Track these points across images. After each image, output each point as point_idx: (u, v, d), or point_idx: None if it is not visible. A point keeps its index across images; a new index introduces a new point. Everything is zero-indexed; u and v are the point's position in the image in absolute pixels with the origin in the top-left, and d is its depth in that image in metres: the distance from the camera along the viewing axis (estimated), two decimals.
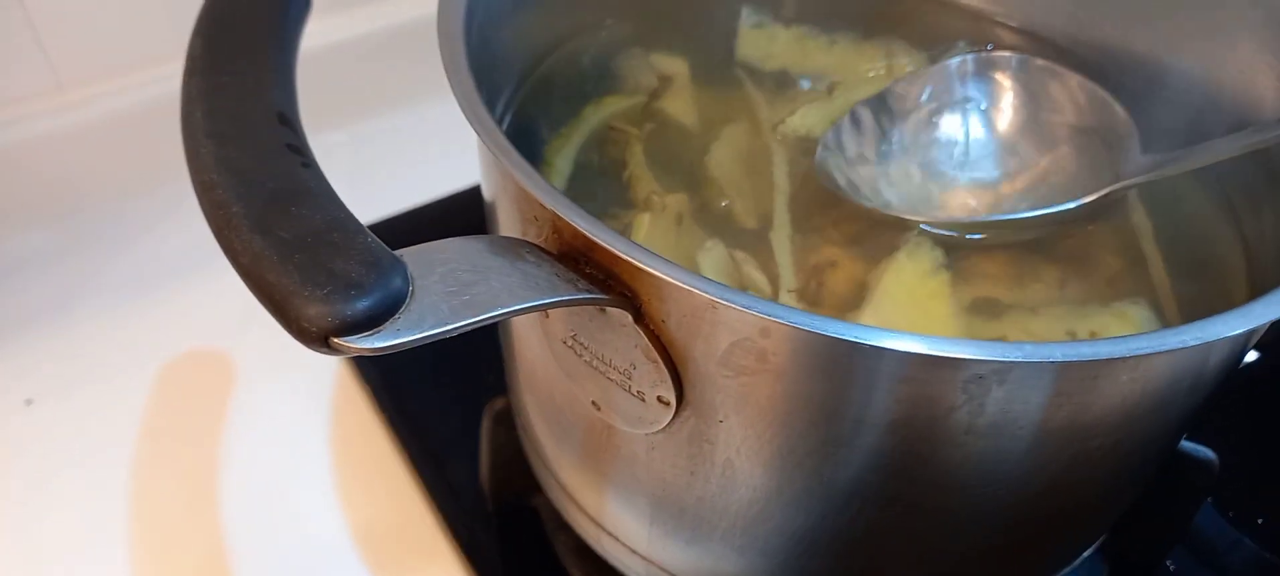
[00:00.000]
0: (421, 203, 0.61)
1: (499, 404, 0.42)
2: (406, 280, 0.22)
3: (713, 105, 0.44)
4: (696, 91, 0.45)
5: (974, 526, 0.30)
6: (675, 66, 0.46)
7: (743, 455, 0.28)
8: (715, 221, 0.37)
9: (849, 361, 0.24)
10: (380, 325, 0.21)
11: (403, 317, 0.22)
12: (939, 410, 0.24)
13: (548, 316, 0.29)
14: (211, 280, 0.57)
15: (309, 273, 0.22)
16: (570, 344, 0.29)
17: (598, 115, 0.43)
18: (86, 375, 0.52)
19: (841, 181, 0.38)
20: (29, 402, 0.51)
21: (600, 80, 0.44)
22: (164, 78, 0.60)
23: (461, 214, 0.60)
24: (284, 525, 0.47)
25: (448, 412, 0.50)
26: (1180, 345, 0.23)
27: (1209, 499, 0.48)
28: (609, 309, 0.26)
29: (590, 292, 0.25)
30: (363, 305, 0.21)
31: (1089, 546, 0.36)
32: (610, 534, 0.35)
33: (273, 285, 0.22)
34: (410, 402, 0.50)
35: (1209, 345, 0.24)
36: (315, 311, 0.21)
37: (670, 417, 0.27)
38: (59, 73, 0.57)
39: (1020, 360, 0.22)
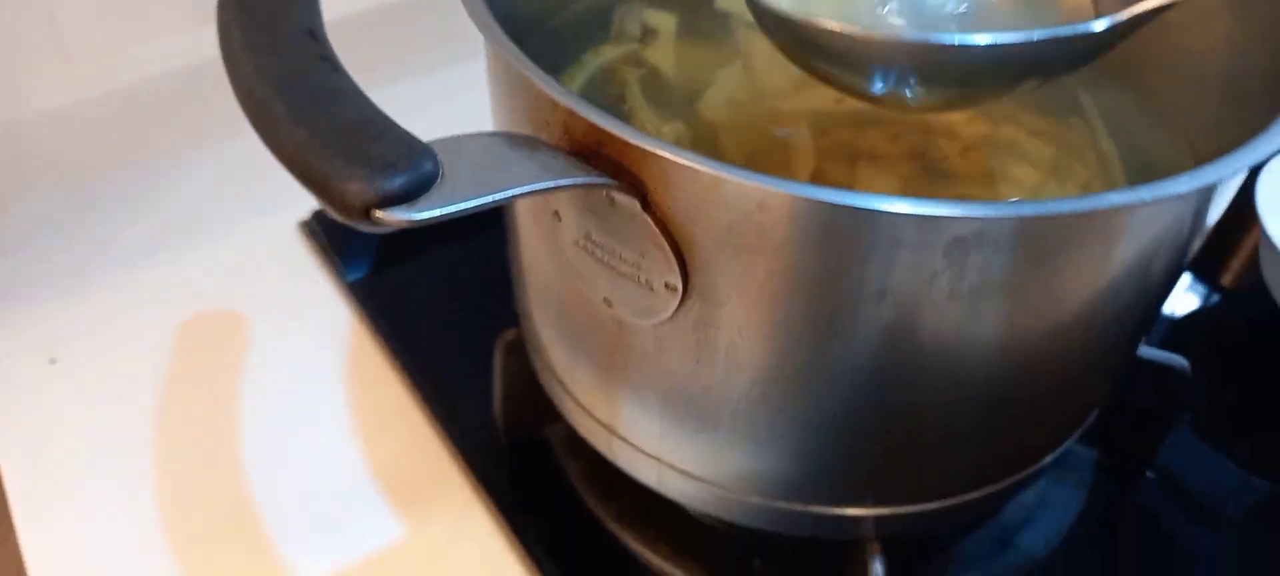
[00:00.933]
0: None
1: (510, 335, 0.44)
2: (436, 164, 0.25)
3: (702, 53, 0.46)
4: (684, 42, 0.47)
5: (962, 403, 0.32)
6: (663, 21, 0.48)
7: (744, 337, 0.30)
8: (710, 152, 0.40)
9: (839, 229, 0.26)
10: (415, 200, 0.24)
11: (435, 194, 0.24)
12: (924, 275, 0.27)
13: (561, 220, 0.31)
14: (220, 244, 0.59)
15: (350, 156, 0.24)
16: (582, 244, 0.31)
17: (596, 61, 0.45)
18: (106, 334, 0.54)
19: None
20: (53, 361, 0.53)
21: (599, 30, 0.47)
22: (170, 53, 0.62)
23: None
24: (304, 466, 0.49)
25: (458, 353, 0.52)
26: (1137, 200, 0.25)
27: (1188, 418, 0.50)
28: (618, 197, 0.28)
29: (602, 177, 0.27)
30: (398, 182, 0.23)
31: (1073, 432, 0.39)
32: (622, 438, 0.38)
33: (316, 169, 0.24)
34: (421, 345, 0.52)
35: (1164, 205, 0.27)
36: (356, 188, 0.23)
37: (677, 304, 0.30)
38: (68, 49, 0.59)
39: (994, 216, 0.25)
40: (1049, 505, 0.47)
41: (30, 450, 0.49)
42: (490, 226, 0.58)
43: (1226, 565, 0.45)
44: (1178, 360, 0.45)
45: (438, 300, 0.55)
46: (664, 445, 0.36)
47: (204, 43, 0.61)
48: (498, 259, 0.46)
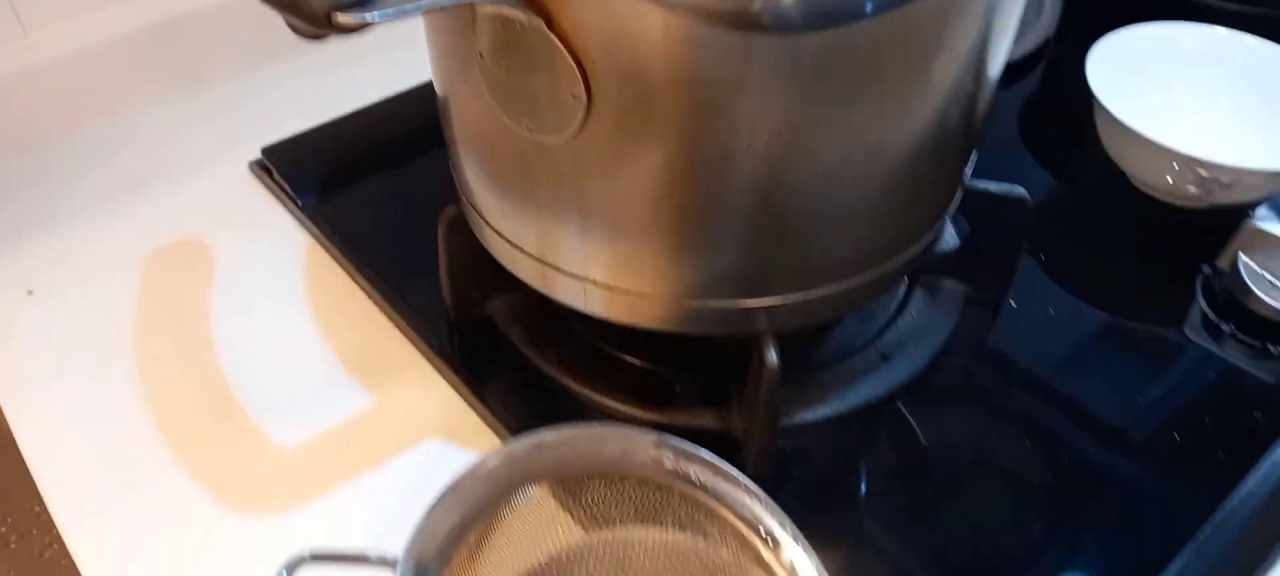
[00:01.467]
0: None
1: (450, 211, 0.51)
2: None
3: None
4: None
5: (825, 195, 0.40)
6: None
7: (640, 143, 0.37)
8: None
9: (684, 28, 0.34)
10: (367, 7, 0.31)
11: (383, 2, 0.31)
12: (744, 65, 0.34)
13: (483, 58, 0.38)
14: (179, 187, 0.65)
15: None
16: (501, 75, 0.38)
17: None
18: (79, 267, 0.59)
19: None
20: (31, 293, 0.58)
21: None
22: (120, 17, 0.68)
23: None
24: (276, 363, 0.55)
25: (405, 256, 0.59)
26: None
27: (1037, 259, 0.59)
28: (528, 20, 0.35)
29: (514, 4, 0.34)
30: None
31: (928, 229, 0.46)
32: (552, 266, 0.44)
33: None
34: (371, 253, 0.59)
35: None
36: (319, 2, 0.30)
37: (583, 114, 0.37)
38: (25, 22, 0.64)
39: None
40: (924, 331, 0.55)
41: (18, 369, 0.54)
42: (418, 154, 0.66)
43: (1070, 370, 0.54)
44: (1017, 189, 0.53)
45: (381, 215, 0.62)
46: (587, 264, 0.43)
47: (154, 6, 0.67)
48: (427, 182, 0.51)
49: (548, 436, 0.36)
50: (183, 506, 0.48)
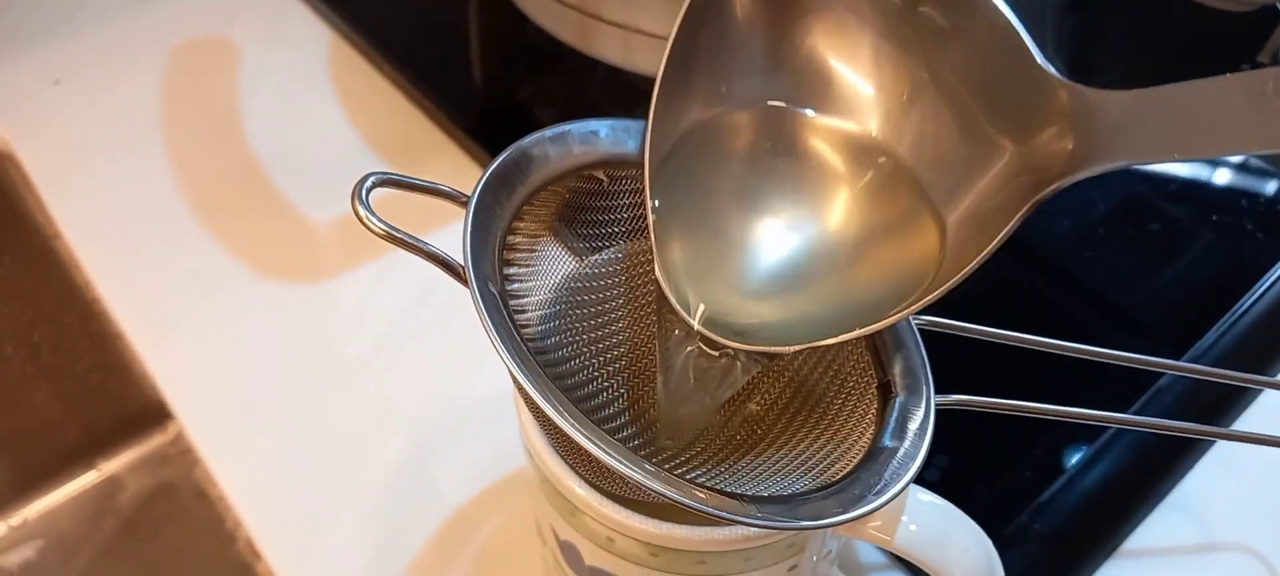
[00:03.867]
0: None
1: None
2: None
3: None
4: None
5: None
6: None
7: None
8: None
9: None
10: None
11: None
12: None
13: None
14: None
15: None
16: None
17: None
18: (105, 57, 0.59)
19: None
20: (57, 83, 0.57)
21: None
22: None
23: None
24: (306, 146, 0.54)
25: (431, 44, 0.58)
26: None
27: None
28: None
29: None
30: None
31: None
32: (592, 15, 0.44)
33: None
34: (398, 44, 0.58)
35: None
36: None
37: None
38: None
39: None
40: None
41: (52, 156, 0.54)
42: None
43: None
44: None
45: (403, 5, 0.61)
46: (628, 9, 0.42)
47: None
48: None
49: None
50: (218, 273, 0.48)
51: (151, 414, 0.78)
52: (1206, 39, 0.60)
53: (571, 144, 0.29)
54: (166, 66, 0.58)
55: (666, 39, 0.43)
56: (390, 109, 0.56)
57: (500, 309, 0.24)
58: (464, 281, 0.24)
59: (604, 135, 0.30)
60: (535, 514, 0.34)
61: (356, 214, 0.24)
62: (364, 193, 0.24)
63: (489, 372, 0.44)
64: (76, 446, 0.75)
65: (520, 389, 0.23)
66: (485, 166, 0.26)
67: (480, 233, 0.25)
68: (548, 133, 0.28)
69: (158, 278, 0.49)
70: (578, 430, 0.22)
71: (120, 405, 0.75)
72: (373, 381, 0.44)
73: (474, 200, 0.25)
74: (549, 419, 0.22)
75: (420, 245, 0.24)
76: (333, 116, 0.56)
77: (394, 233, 0.24)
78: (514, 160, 0.27)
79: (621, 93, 0.53)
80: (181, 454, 0.78)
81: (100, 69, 0.58)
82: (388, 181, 0.25)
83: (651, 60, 0.44)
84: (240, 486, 0.42)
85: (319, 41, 0.60)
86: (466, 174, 0.53)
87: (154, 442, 0.79)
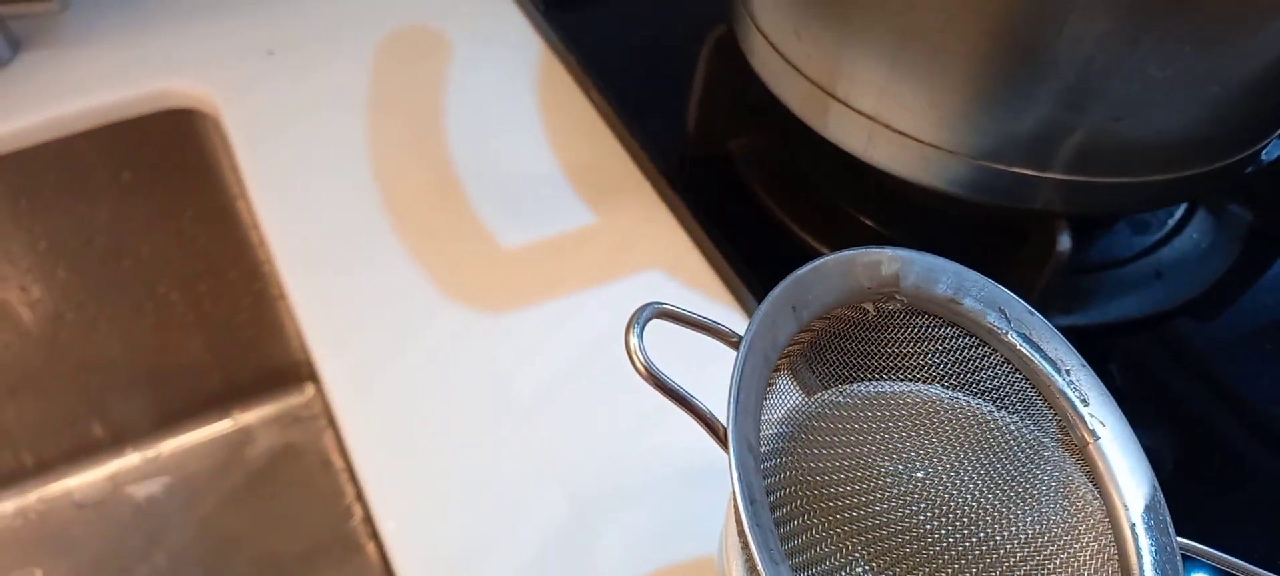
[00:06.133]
0: None
1: (720, 30, 0.47)
2: None
3: None
4: None
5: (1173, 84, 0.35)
6: None
7: None
8: None
9: None
10: None
11: None
12: None
13: None
14: None
15: None
16: None
17: None
18: (318, 35, 0.58)
19: None
20: (270, 53, 0.57)
21: None
22: None
23: None
24: (503, 160, 0.53)
25: (645, 76, 0.56)
26: None
27: None
28: None
29: None
30: None
31: (1265, 134, 0.41)
32: (840, 100, 0.41)
33: None
34: (610, 69, 0.56)
35: None
36: None
37: None
38: None
39: None
40: (1205, 254, 0.50)
41: (255, 123, 0.54)
42: None
43: None
44: None
45: (624, 32, 0.59)
46: (881, 103, 0.39)
47: None
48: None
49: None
50: (403, 285, 0.47)
51: (290, 374, 0.78)
52: None
53: (852, 274, 0.26)
54: (379, 48, 0.58)
55: (918, 140, 0.40)
56: (592, 137, 0.54)
57: (759, 500, 0.21)
58: (723, 445, 0.22)
59: (886, 268, 0.27)
60: None
61: (628, 345, 0.21)
62: (640, 325, 0.21)
63: (663, 441, 0.42)
64: (217, 394, 0.76)
65: None
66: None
67: (747, 389, 0.22)
68: (829, 260, 0.26)
69: (336, 261, 0.48)
70: None
71: (263, 360, 0.76)
72: (539, 426, 0.42)
73: (743, 354, 0.23)
74: None
75: (685, 397, 0.22)
76: (532, 131, 0.54)
77: (658, 377, 0.22)
78: (787, 292, 0.25)
79: (843, 173, 0.49)
80: (314, 417, 0.78)
81: (314, 45, 0.58)
82: (665, 315, 0.22)
83: (893, 159, 0.41)
84: (384, 495, 0.40)
85: (530, 48, 0.59)
86: (658, 220, 0.50)
87: (290, 402, 0.80)
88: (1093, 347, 0.45)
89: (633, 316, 0.22)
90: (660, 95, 0.54)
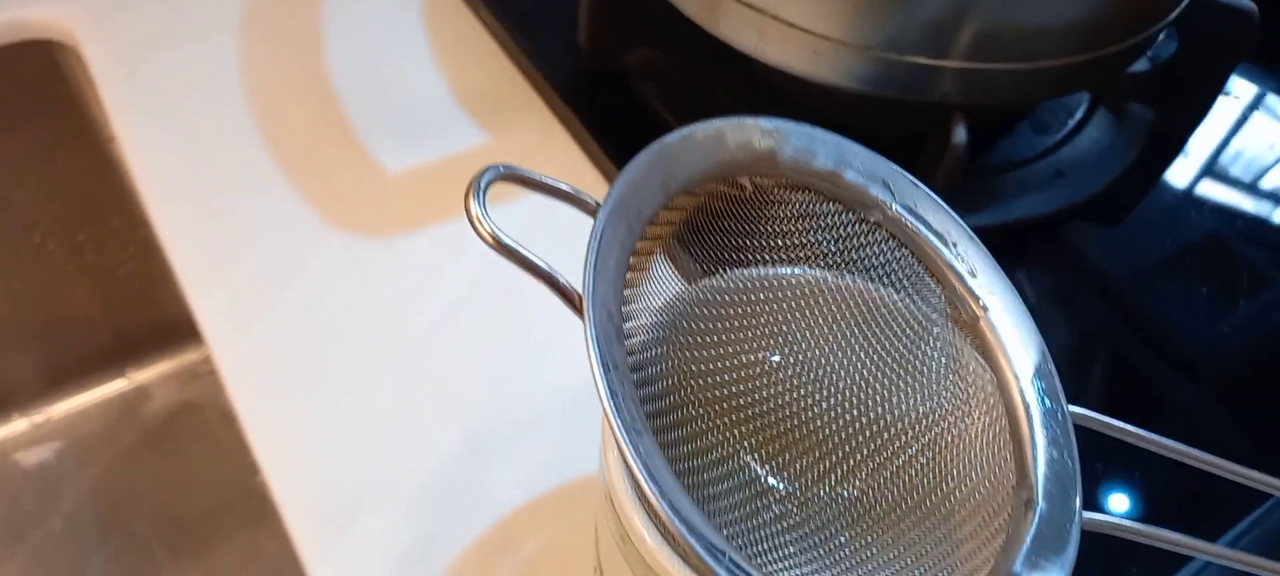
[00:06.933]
0: None
1: None
2: None
3: None
4: None
5: None
6: None
7: None
8: None
9: None
10: None
11: None
12: None
13: None
14: None
15: None
16: None
17: None
18: None
19: None
20: None
21: None
22: None
23: None
24: (389, 87, 0.50)
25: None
26: None
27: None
28: None
29: None
30: None
31: (1160, 18, 0.40)
32: None
33: None
34: None
35: None
36: None
37: None
38: None
39: None
40: (1105, 154, 0.49)
41: (120, 53, 0.50)
42: None
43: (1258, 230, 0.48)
44: (1245, 2, 0.46)
45: None
46: None
47: None
48: None
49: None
50: (283, 217, 0.44)
51: (187, 328, 0.75)
52: None
53: (724, 146, 0.24)
54: None
55: (811, 32, 0.38)
56: (482, 58, 0.52)
57: (618, 367, 0.20)
58: (579, 313, 0.20)
59: (759, 141, 0.25)
60: (599, 553, 0.30)
61: (469, 212, 0.19)
62: (480, 189, 0.19)
63: (556, 368, 0.40)
64: (108, 349, 0.72)
65: (627, 465, 0.19)
66: (616, 171, 0.21)
67: (605, 255, 0.21)
68: (697, 129, 0.24)
69: (210, 196, 0.45)
70: (690, 535, 0.18)
71: (157, 313, 0.72)
72: (430, 359, 0.40)
73: (603, 218, 0.21)
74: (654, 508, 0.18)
75: (536, 264, 0.20)
76: (420, 56, 0.52)
77: (505, 243, 0.20)
78: (653, 161, 0.23)
79: (741, 81, 0.48)
80: (213, 372, 0.75)
81: None
82: (510, 177, 0.20)
83: (786, 54, 0.39)
84: (268, 441, 0.38)
85: None
86: (554, 140, 0.48)
87: (188, 358, 0.76)
88: (997, 249, 0.44)
89: (472, 180, 0.20)
90: (553, 10, 0.52)
